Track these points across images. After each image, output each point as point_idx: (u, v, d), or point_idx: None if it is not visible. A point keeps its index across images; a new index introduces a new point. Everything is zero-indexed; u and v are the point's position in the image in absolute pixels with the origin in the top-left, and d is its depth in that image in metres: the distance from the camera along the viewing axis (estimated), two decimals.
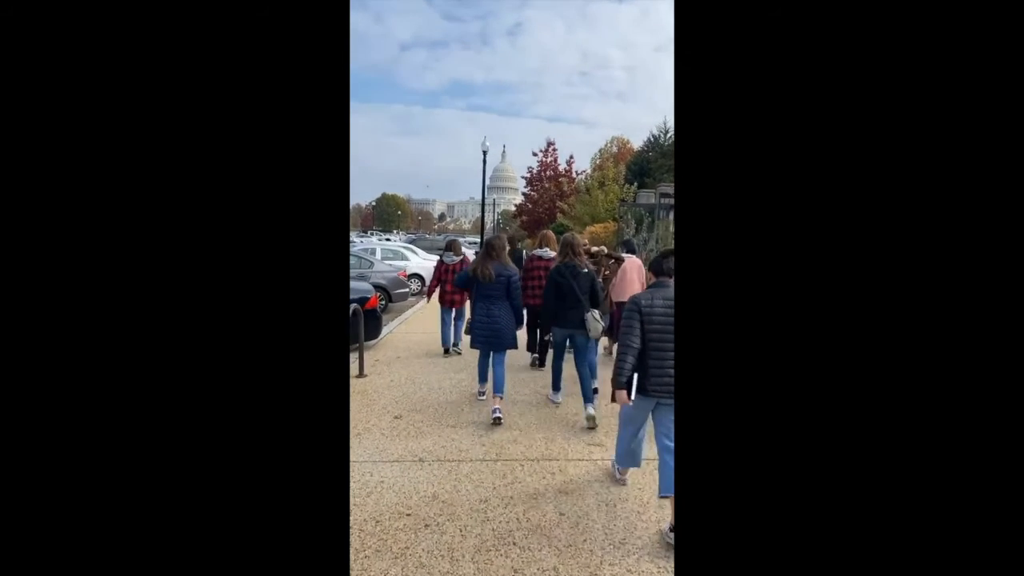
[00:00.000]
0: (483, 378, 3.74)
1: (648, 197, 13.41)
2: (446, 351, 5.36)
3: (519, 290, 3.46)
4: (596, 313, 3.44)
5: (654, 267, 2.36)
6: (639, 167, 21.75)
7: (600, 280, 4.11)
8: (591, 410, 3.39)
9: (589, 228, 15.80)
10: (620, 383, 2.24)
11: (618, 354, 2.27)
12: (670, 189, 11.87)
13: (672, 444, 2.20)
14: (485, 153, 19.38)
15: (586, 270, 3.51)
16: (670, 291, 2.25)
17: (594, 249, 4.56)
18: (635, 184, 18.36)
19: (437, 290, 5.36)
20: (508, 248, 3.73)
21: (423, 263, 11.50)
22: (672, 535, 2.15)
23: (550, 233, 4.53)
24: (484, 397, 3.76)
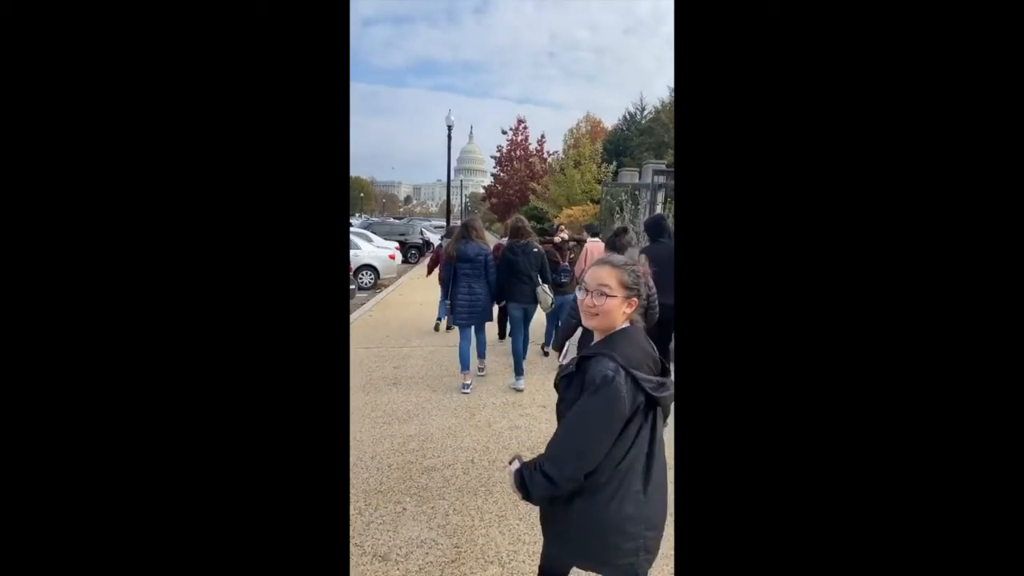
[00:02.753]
0: (466, 366, 3.70)
1: (632, 176, 12.10)
2: (437, 328, 5.57)
3: (493, 264, 3.66)
4: (546, 287, 3.73)
5: (609, 245, 2.72)
6: (615, 146, 20.46)
7: (566, 263, 4.30)
8: (521, 384, 3.71)
9: (566, 211, 14.41)
10: (555, 345, 2.99)
11: (562, 322, 2.85)
12: (659, 166, 10.56)
13: None
14: (450, 128, 17.57)
15: (536, 249, 3.76)
16: None
17: (556, 240, 4.56)
18: (613, 163, 17.06)
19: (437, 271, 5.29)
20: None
21: (377, 252, 9.75)
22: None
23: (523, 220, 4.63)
24: (469, 390, 3.64)
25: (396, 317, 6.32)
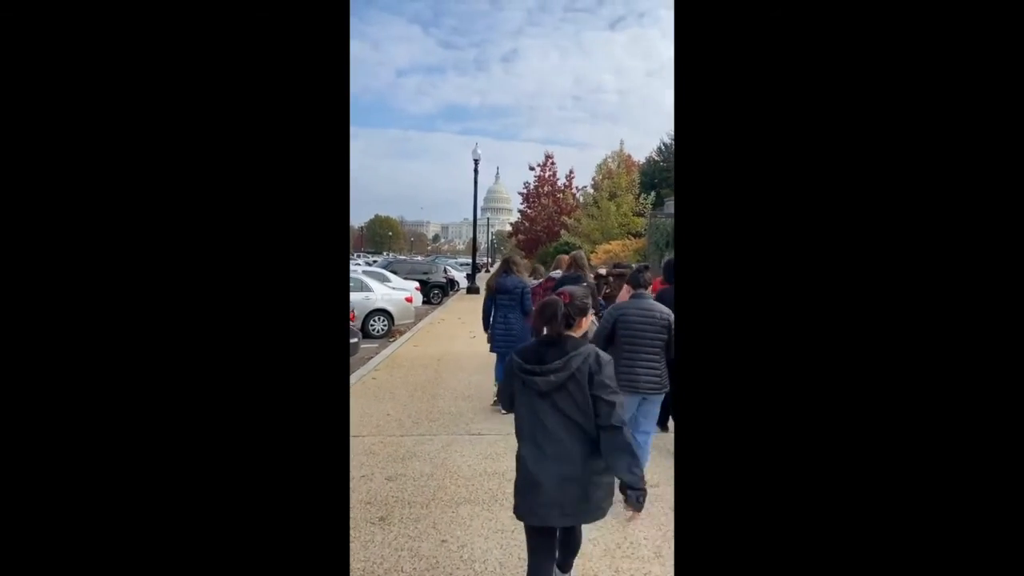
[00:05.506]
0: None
1: None
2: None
3: (530, 296, 3.83)
4: (594, 319, 3.63)
5: (631, 281, 2.67)
6: (648, 178, 19.23)
7: (601, 298, 4.07)
8: None
9: (604, 246, 13.04)
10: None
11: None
12: None
13: (646, 431, 2.60)
14: (476, 162, 16.76)
15: (585, 283, 3.68)
16: (645, 301, 2.55)
17: (593, 275, 4.36)
18: (652, 194, 15.74)
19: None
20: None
21: (392, 294, 8.53)
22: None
23: (563, 257, 4.41)
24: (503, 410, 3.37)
25: (406, 381, 4.94)
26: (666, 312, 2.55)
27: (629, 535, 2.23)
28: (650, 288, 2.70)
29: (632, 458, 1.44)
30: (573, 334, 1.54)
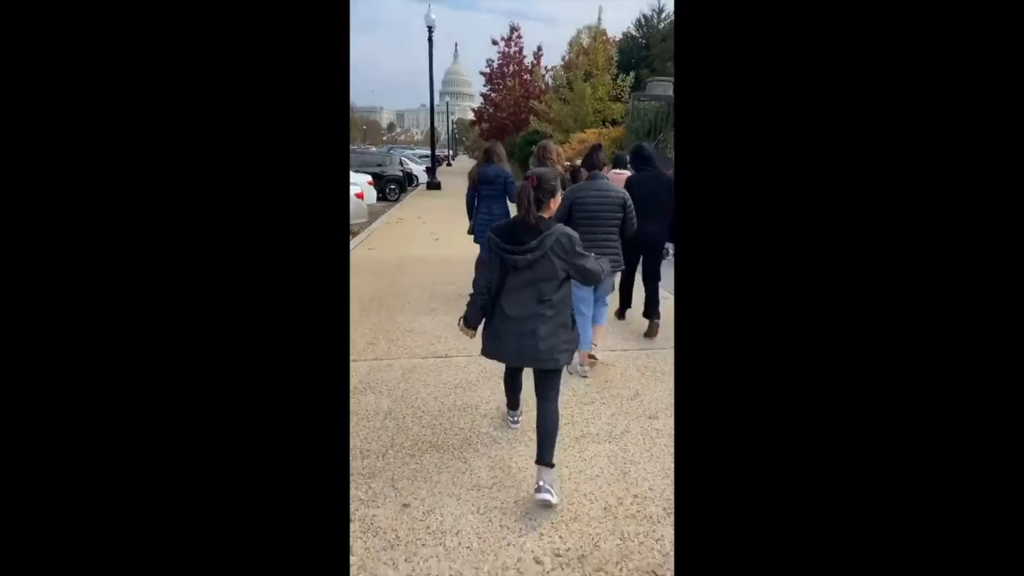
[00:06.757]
0: None
1: (666, 87, 9.53)
2: None
3: (514, 186, 3.74)
4: None
5: (586, 163, 2.77)
6: (626, 57, 17.24)
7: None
8: None
9: (578, 135, 11.85)
10: None
11: None
12: None
13: (585, 309, 2.60)
14: (431, 30, 14.31)
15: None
16: (601, 182, 2.59)
17: (570, 167, 4.40)
18: (631, 74, 14.16)
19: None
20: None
21: None
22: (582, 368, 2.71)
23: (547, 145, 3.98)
24: None
25: (359, 292, 4.29)
26: (621, 192, 2.59)
27: (631, 486, 1.86)
28: (605, 168, 2.76)
29: (594, 266, 1.72)
30: (544, 215, 1.70)
